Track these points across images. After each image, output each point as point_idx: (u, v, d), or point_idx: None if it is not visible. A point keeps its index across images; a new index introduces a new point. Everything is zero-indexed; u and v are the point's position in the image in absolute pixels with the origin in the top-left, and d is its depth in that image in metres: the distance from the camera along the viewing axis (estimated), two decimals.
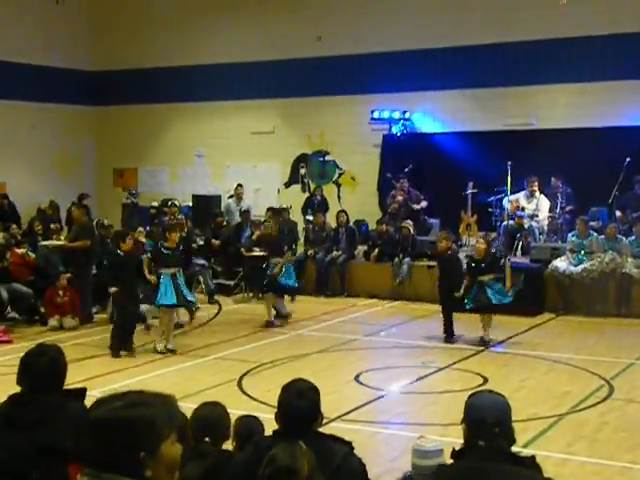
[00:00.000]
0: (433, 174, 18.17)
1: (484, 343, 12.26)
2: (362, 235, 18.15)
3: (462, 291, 12.20)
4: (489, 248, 12.65)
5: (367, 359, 11.92)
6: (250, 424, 4.82)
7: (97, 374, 10.49)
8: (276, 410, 3.87)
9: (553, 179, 16.58)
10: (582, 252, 14.92)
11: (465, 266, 12.95)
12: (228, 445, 4.66)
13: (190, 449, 4.33)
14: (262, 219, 18.26)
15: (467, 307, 12.28)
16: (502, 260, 13.03)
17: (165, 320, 12.01)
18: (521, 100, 18.13)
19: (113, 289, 11.85)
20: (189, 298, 12.23)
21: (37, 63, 21.37)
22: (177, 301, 11.84)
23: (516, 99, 18.16)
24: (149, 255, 12.46)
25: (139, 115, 22.59)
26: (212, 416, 4.63)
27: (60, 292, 13.77)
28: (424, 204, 17.77)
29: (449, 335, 12.54)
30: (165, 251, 11.97)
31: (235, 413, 4.88)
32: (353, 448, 3.83)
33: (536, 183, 16.70)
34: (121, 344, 11.75)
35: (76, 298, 13.86)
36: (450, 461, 3.59)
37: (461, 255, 14.17)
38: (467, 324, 12.76)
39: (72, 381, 4.57)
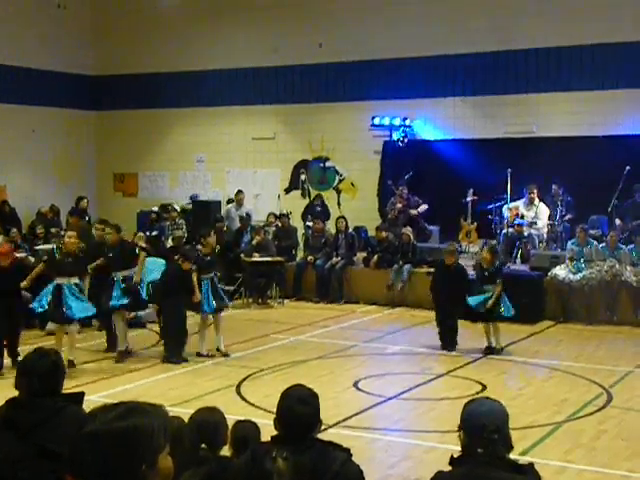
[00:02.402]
0: (433, 181, 18.19)
1: (493, 351, 12.23)
2: (361, 241, 18.17)
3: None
4: (494, 256, 12.66)
5: (366, 366, 11.92)
6: (247, 429, 4.82)
7: (95, 379, 10.49)
8: (275, 416, 3.87)
9: (554, 187, 16.58)
10: (581, 260, 14.94)
11: (475, 274, 12.93)
12: (225, 451, 4.66)
13: (187, 455, 4.32)
14: (261, 224, 18.32)
15: (472, 304, 12.28)
16: (503, 268, 13.00)
17: (204, 325, 12.13)
18: (521, 108, 18.16)
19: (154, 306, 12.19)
20: (225, 301, 12.50)
21: (38, 67, 21.40)
22: (217, 305, 12.09)
23: (516, 107, 18.18)
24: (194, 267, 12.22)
25: (140, 120, 22.61)
26: (210, 421, 4.63)
27: None
28: (424, 207, 17.72)
29: (453, 344, 12.49)
30: (205, 257, 12.23)
31: (233, 419, 4.88)
32: (351, 455, 3.82)
33: (535, 191, 16.72)
34: (178, 351, 11.66)
35: None
36: (448, 468, 3.59)
37: (462, 261, 14.17)
38: (471, 332, 12.74)
39: (70, 386, 4.58)
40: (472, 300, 12.11)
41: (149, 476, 2.24)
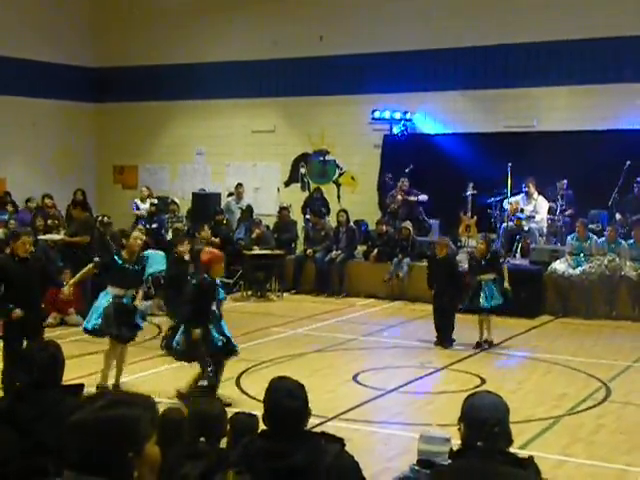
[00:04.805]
0: (433, 175, 18.16)
1: (485, 345, 12.23)
2: (361, 235, 18.17)
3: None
4: (489, 247, 12.69)
5: (365, 359, 11.93)
6: (245, 421, 4.83)
7: (96, 370, 10.48)
8: (264, 411, 3.81)
9: (565, 181, 16.42)
10: (581, 255, 14.94)
11: (467, 265, 12.97)
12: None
13: (187, 448, 4.33)
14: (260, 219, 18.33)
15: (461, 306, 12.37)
16: (502, 259, 13.05)
17: None
18: (522, 102, 18.13)
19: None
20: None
21: (38, 59, 21.36)
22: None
23: (517, 101, 18.16)
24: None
25: (140, 112, 22.59)
26: (210, 414, 4.64)
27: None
28: (424, 197, 17.69)
29: (449, 340, 12.48)
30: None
31: (233, 411, 4.89)
32: (344, 445, 3.79)
33: (530, 185, 16.65)
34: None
35: (78, 294, 13.85)
36: (448, 462, 3.60)
37: (462, 256, 14.19)
38: (467, 326, 12.75)
39: (71, 377, 4.58)
40: (485, 302, 12.14)
41: (136, 463, 2.30)
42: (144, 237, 10.50)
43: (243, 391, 9.69)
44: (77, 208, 15.58)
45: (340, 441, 3.77)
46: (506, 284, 12.26)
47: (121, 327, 9.64)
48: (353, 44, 19.61)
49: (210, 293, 9.02)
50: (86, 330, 9.85)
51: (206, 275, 9.07)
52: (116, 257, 9.71)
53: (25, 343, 8.53)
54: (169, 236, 17.42)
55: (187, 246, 12.09)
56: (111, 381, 9.72)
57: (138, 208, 19.53)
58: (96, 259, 10.13)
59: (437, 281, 12.53)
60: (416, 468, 4.30)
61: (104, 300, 9.63)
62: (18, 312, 8.94)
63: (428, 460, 4.29)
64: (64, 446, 2.35)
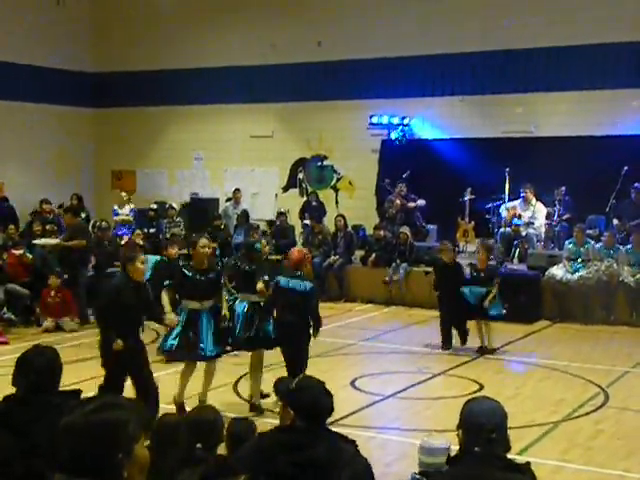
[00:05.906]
0: (431, 180, 18.19)
1: (485, 351, 12.22)
2: (359, 240, 18.18)
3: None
4: (489, 256, 12.69)
5: (363, 364, 11.92)
6: (243, 427, 4.83)
7: (94, 376, 10.45)
8: (294, 408, 3.87)
9: (563, 187, 16.42)
10: (579, 260, 14.94)
11: (468, 275, 12.96)
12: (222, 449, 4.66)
13: (183, 454, 4.32)
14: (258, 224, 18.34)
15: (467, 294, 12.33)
16: (499, 268, 13.05)
17: None
18: (520, 108, 18.15)
19: None
20: None
21: (37, 64, 21.38)
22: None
23: (515, 106, 18.19)
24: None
25: (138, 117, 22.60)
26: (206, 420, 4.64)
27: (52, 293, 13.77)
28: (421, 202, 17.70)
29: (448, 343, 12.48)
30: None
31: (230, 417, 4.88)
32: (357, 446, 3.91)
33: (528, 191, 16.64)
34: None
35: (70, 299, 13.85)
36: (446, 467, 3.60)
37: (460, 261, 14.18)
38: (469, 332, 12.73)
39: (68, 382, 4.58)
40: (468, 290, 12.12)
41: (126, 465, 2.38)
42: (212, 244, 9.95)
43: (240, 396, 9.68)
44: (68, 213, 15.58)
45: (353, 442, 3.86)
46: (490, 297, 12.16)
47: (197, 346, 9.02)
48: (351, 49, 19.64)
49: None
50: (164, 351, 9.33)
51: (299, 273, 9.00)
52: (185, 270, 9.06)
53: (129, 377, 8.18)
54: None
55: (176, 248, 12.08)
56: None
57: (117, 214, 19.50)
58: (167, 282, 9.28)
59: (445, 286, 12.47)
60: (417, 477, 4.33)
61: (180, 318, 8.95)
62: (120, 343, 8.08)
63: (427, 471, 4.34)
64: (56, 449, 2.40)
